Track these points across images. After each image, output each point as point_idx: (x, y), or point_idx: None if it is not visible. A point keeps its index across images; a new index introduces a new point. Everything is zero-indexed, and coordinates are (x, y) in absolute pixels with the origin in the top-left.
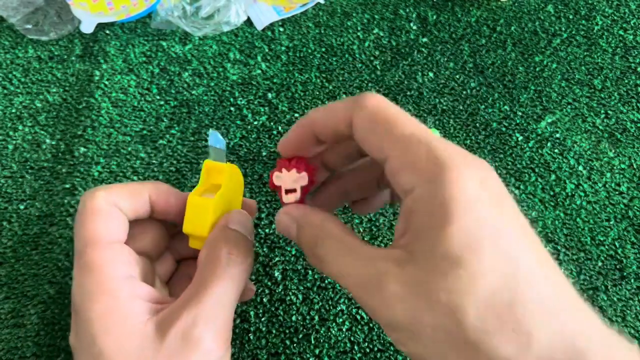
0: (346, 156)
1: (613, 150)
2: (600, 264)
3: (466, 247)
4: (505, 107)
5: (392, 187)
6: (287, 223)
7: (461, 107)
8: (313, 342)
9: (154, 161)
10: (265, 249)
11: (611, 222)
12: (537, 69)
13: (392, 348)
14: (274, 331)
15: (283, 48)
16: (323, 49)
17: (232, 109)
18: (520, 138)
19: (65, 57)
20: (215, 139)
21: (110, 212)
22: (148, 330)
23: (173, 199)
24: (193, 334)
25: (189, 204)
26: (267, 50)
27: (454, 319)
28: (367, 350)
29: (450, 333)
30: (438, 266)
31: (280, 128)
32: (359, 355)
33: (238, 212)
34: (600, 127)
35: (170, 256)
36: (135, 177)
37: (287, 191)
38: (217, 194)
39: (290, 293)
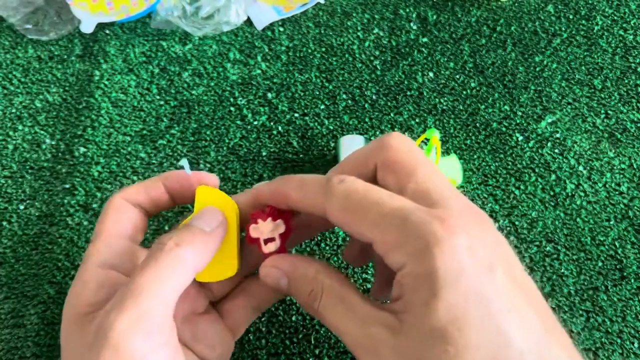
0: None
1: (613, 150)
2: (600, 264)
3: (452, 322)
4: (506, 107)
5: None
6: (275, 276)
7: (461, 107)
8: (313, 342)
9: (153, 161)
10: None
11: (611, 222)
12: (537, 69)
13: None
14: (273, 331)
15: (283, 48)
16: (323, 49)
17: (232, 108)
18: (521, 138)
19: (65, 57)
20: (187, 168)
21: (120, 207)
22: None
23: (185, 180)
24: (103, 325)
25: None
26: (267, 50)
27: None
28: None
29: None
30: (426, 340)
31: (280, 128)
32: None
33: (208, 208)
34: (601, 127)
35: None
36: (135, 177)
37: (266, 241)
38: (187, 219)
39: None
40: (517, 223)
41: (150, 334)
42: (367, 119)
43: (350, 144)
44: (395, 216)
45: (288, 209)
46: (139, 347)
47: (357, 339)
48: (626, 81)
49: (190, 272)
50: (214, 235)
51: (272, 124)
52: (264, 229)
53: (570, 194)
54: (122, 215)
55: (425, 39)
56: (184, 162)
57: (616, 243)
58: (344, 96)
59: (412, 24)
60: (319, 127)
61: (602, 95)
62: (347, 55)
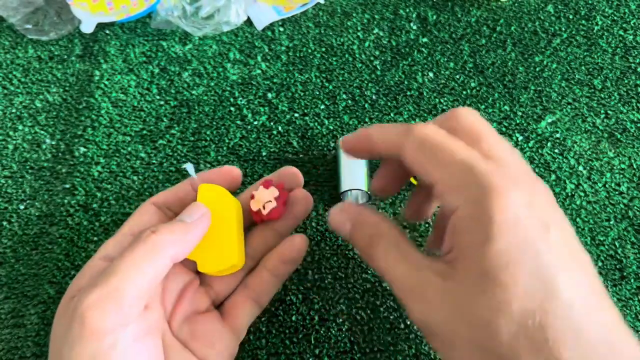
0: (394, 178)
1: (613, 150)
2: (600, 264)
3: (504, 267)
4: (505, 107)
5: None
6: (340, 219)
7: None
8: (313, 342)
9: (154, 161)
10: None
11: (611, 222)
12: (537, 69)
13: (392, 348)
14: (273, 331)
15: (283, 48)
16: (323, 49)
17: (232, 108)
18: (521, 138)
19: (65, 57)
20: (191, 172)
21: (144, 210)
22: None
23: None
24: (76, 302)
25: None
26: (267, 50)
27: (487, 334)
28: (367, 350)
29: (484, 347)
30: (477, 283)
31: (280, 128)
32: (358, 355)
33: (193, 203)
34: (600, 127)
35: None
36: (135, 177)
37: (265, 206)
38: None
39: (290, 293)
40: None
41: (119, 311)
42: (367, 119)
43: None
44: (464, 163)
45: (284, 190)
46: (106, 322)
47: (406, 283)
48: (626, 81)
49: (165, 258)
50: (193, 225)
51: (272, 124)
52: (262, 196)
53: (570, 194)
54: (143, 217)
55: (425, 39)
56: (188, 166)
57: (616, 243)
58: (344, 96)
59: (412, 24)
60: (319, 127)
61: (602, 96)
62: (347, 55)
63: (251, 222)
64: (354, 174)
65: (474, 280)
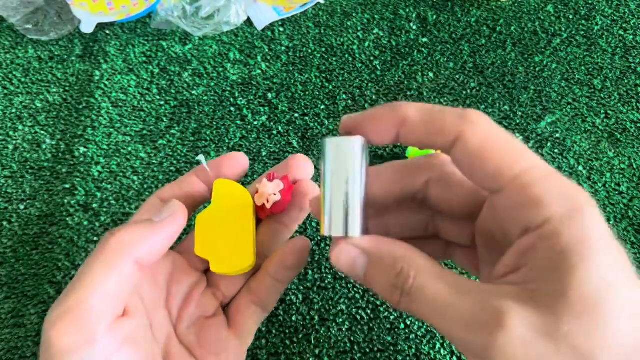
0: (397, 197)
1: (613, 150)
2: None
3: (604, 289)
4: (505, 107)
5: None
6: (350, 255)
7: (461, 107)
8: (313, 342)
9: (154, 161)
10: None
11: (611, 222)
12: (537, 69)
13: (392, 348)
14: (273, 331)
15: (283, 48)
16: (323, 49)
17: (232, 109)
18: (521, 138)
19: (66, 57)
20: (204, 164)
21: (147, 206)
22: None
23: (205, 175)
24: (44, 328)
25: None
26: (267, 50)
27: None
28: (367, 350)
29: None
30: (571, 308)
31: (280, 128)
32: (358, 355)
33: (170, 201)
34: (600, 127)
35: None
36: (135, 177)
37: (268, 200)
38: (205, 210)
39: (290, 293)
40: None
41: (83, 327)
42: None
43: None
44: (544, 171)
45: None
46: (70, 341)
47: (467, 315)
48: (626, 81)
49: (128, 263)
50: (159, 225)
51: (272, 124)
52: (266, 189)
53: None
54: (150, 213)
55: (425, 39)
56: (201, 157)
57: None
58: (344, 96)
59: (412, 24)
60: (319, 127)
61: (602, 96)
62: (347, 56)
63: (257, 217)
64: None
65: (567, 304)
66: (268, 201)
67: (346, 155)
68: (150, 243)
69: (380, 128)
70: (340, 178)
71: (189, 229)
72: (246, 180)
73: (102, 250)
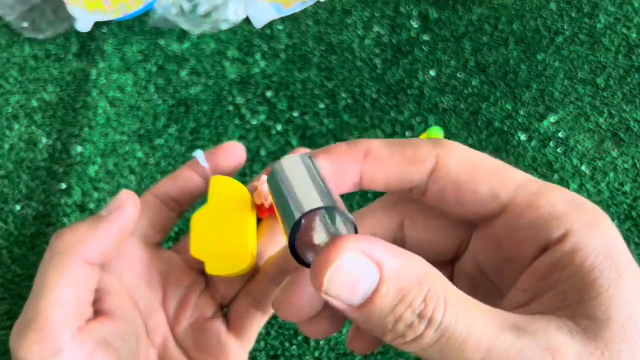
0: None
1: (616, 150)
2: None
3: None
4: (508, 106)
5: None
6: (359, 271)
7: (463, 106)
8: (313, 344)
9: (151, 161)
10: None
11: (614, 223)
12: (540, 68)
13: (392, 351)
14: (273, 333)
15: (282, 46)
16: (323, 47)
17: (230, 108)
18: (523, 137)
19: (62, 55)
20: (202, 160)
21: (141, 201)
22: None
23: (201, 171)
24: (13, 332)
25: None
26: (266, 48)
27: None
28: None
29: None
30: (625, 334)
31: (279, 127)
32: (358, 358)
33: (121, 192)
34: (604, 127)
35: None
36: (132, 177)
37: (267, 198)
38: (201, 209)
39: None
40: None
41: (44, 338)
42: (367, 118)
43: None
44: (541, 184)
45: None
46: (32, 354)
47: (517, 352)
48: (629, 80)
49: (76, 262)
50: (105, 219)
51: (271, 123)
52: (265, 187)
53: None
54: (143, 211)
55: (426, 37)
56: (198, 153)
57: None
58: (344, 95)
59: (413, 22)
60: (318, 126)
61: (606, 95)
62: (347, 54)
63: (258, 217)
64: (304, 192)
65: (620, 330)
66: (267, 200)
67: (293, 163)
68: (97, 240)
69: (339, 165)
70: (293, 178)
71: (185, 227)
72: (244, 180)
73: (50, 254)
